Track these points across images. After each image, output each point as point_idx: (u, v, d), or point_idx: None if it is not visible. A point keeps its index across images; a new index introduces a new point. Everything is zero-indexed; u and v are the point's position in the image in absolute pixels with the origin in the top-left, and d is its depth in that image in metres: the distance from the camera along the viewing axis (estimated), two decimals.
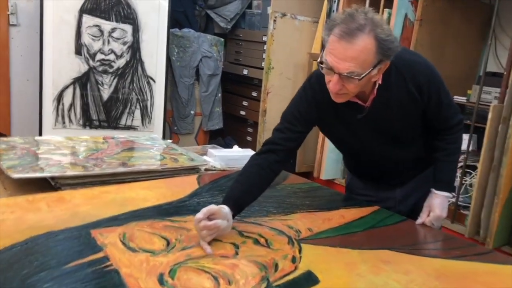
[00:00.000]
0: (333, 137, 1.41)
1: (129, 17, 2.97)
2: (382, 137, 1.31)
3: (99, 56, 2.92)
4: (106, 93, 2.98)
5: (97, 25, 2.88)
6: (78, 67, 2.88)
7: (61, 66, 2.83)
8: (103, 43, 2.91)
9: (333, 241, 1.15)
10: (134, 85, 3.05)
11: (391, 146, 1.33)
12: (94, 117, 2.97)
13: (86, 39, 2.87)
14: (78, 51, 2.87)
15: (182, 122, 3.38)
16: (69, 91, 2.88)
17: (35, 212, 1.13)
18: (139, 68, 3.04)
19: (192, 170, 1.60)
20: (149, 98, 3.10)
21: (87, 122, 2.95)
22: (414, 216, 1.35)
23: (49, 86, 2.81)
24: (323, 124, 1.34)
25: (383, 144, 1.32)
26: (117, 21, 2.93)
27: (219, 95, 3.49)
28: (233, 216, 1.15)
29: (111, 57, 2.95)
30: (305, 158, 3.20)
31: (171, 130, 3.38)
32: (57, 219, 1.10)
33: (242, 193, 1.19)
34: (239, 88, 3.73)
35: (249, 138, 3.67)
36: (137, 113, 3.08)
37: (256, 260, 1.01)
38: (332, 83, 1.12)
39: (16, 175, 1.25)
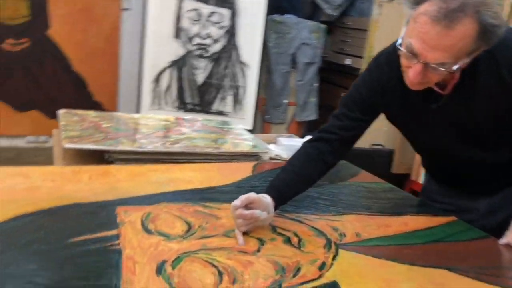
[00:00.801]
0: (401, 131, 1.21)
1: (228, 1, 2.95)
2: (461, 135, 1.08)
3: (196, 40, 2.95)
4: (201, 77, 3.02)
5: (196, 9, 2.91)
6: (176, 50, 2.95)
7: (161, 49, 2.92)
8: (201, 27, 2.94)
9: (380, 251, 0.98)
10: (228, 70, 3.04)
11: (473, 146, 1.09)
12: (189, 100, 3.02)
13: (185, 23, 2.92)
14: (177, 35, 2.93)
15: (274, 111, 3.30)
16: (167, 73, 2.96)
17: (74, 183, 1.13)
18: (234, 54, 3.02)
19: (251, 156, 1.51)
20: (242, 84, 3.07)
21: (182, 105, 3.02)
22: (499, 235, 1.10)
23: (149, 68, 2.92)
24: (389, 114, 1.15)
25: (462, 143, 1.09)
26: (216, 5, 2.94)
27: (315, 84, 3.33)
28: (275, 208, 1.03)
29: (208, 41, 2.97)
30: (404, 157, 2.92)
31: (263, 119, 3.32)
32: (92, 192, 1.09)
33: (287, 184, 1.07)
34: (340, 78, 3.53)
35: None
36: (229, 99, 3.07)
37: (277, 261, 0.88)
38: (413, 72, 0.91)
39: (68, 145, 1.27)
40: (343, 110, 1.13)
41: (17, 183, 1.08)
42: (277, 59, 3.22)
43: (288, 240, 0.98)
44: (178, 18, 2.90)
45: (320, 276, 0.85)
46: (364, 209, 1.20)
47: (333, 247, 0.97)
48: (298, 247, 0.95)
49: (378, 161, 2.92)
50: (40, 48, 2.88)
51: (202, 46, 2.97)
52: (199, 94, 3.03)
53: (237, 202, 0.94)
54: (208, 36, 2.96)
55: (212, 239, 0.94)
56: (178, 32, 2.92)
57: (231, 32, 3.00)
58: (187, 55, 2.97)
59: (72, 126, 1.47)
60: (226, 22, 2.97)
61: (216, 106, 3.06)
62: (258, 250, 0.92)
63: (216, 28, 2.96)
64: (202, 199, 1.13)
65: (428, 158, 1.24)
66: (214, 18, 2.95)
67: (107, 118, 1.65)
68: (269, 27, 3.11)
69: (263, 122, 3.33)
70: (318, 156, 1.10)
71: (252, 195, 0.96)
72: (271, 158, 1.60)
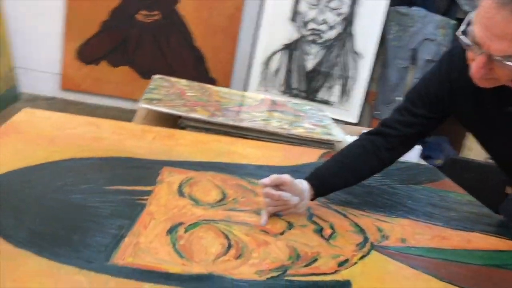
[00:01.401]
0: (474, 137, 1.05)
1: None
2: None
3: (311, 25, 2.91)
4: (310, 63, 2.97)
5: None
6: (290, 34, 2.94)
7: (275, 31, 2.93)
8: (318, 13, 2.89)
9: (421, 263, 0.87)
10: (340, 59, 2.95)
11: None
12: (295, 85, 3.01)
13: (303, 6, 2.90)
14: (293, 18, 2.92)
15: (385, 108, 3.11)
16: (277, 56, 2.97)
17: (137, 140, 1.19)
18: (348, 43, 2.92)
19: (323, 144, 1.44)
20: (352, 75, 2.96)
21: (288, 89, 3.01)
22: None
23: (261, 49, 2.96)
24: (459, 116, 1.01)
25: None
26: None
27: None
28: (315, 197, 0.97)
29: (323, 27, 2.91)
30: None
31: (372, 115, 3.16)
32: (149, 150, 1.14)
33: (332, 173, 1.00)
34: None
35: None
36: (337, 89, 2.99)
37: (296, 247, 0.84)
38: (476, 65, 0.77)
39: (144, 105, 1.34)
40: (407, 104, 1.02)
41: (87, 131, 1.17)
42: (395, 52, 3.04)
43: (319, 230, 0.92)
44: (297, 1, 2.88)
45: (335, 272, 0.78)
46: (425, 217, 1.08)
47: (367, 247, 0.89)
48: (327, 239, 0.89)
49: (491, 177, 2.60)
50: (168, 21, 3.08)
51: (316, 32, 2.92)
52: (306, 81, 2.99)
53: (266, 180, 0.91)
54: (324, 22, 2.90)
55: (239, 213, 0.92)
56: (295, 15, 2.91)
57: (348, 20, 2.90)
58: (300, 39, 2.94)
59: (158, 90, 1.55)
60: (345, 9, 2.88)
61: (322, 95, 3.00)
62: (282, 233, 0.88)
63: (333, 14, 2.88)
64: (250, 175, 1.11)
65: (506, 169, 1.07)
66: (333, 4, 2.87)
67: (195, 88, 1.71)
68: (391, 18, 2.93)
69: (371, 118, 3.18)
70: (372, 150, 1.01)
71: (285, 176, 0.92)
72: None
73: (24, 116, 1.18)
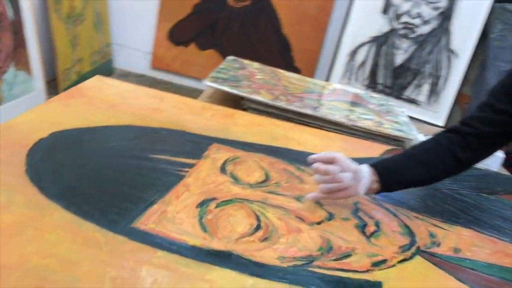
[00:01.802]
0: None
1: None
2: None
3: (404, 18, 2.75)
4: (399, 59, 2.82)
5: None
6: (380, 26, 2.80)
7: (365, 22, 2.82)
8: (413, 6, 2.72)
9: (471, 276, 0.78)
10: (432, 56, 2.75)
11: None
12: (381, 80, 2.87)
13: None
14: (385, 10, 2.78)
15: None
16: (365, 48, 2.85)
17: (195, 115, 1.20)
18: (443, 39, 2.72)
19: (391, 140, 1.35)
20: (444, 74, 2.75)
21: (372, 84, 2.88)
22: None
23: (348, 40, 2.86)
24: None
25: None
26: None
27: None
28: (378, 189, 0.90)
29: (417, 21, 2.74)
30: None
31: None
32: (204, 126, 1.14)
33: (400, 163, 0.91)
34: None
35: None
36: (425, 87, 2.80)
37: (331, 239, 0.78)
38: None
39: (207, 83, 1.34)
40: (490, 99, 0.90)
41: (149, 102, 1.20)
42: (497, 53, 2.77)
43: (362, 226, 0.85)
44: None
45: (366, 271, 0.72)
46: (491, 230, 0.96)
47: (412, 250, 0.81)
48: (368, 237, 0.82)
49: None
50: (258, 7, 3.09)
51: (409, 26, 2.75)
52: (393, 77, 2.84)
53: (315, 155, 0.87)
54: (419, 15, 2.72)
55: (278, 197, 0.88)
56: (387, 7, 2.77)
57: (445, 15, 2.69)
58: (391, 33, 2.79)
59: (227, 70, 1.55)
60: (443, 3, 2.68)
61: (409, 93, 2.83)
62: (319, 223, 0.83)
63: (429, 8, 2.69)
64: (301, 162, 1.07)
65: None
66: None
67: (266, 71, 1.68)
68: (495, 16, 2.67)
69: None
70: (447, 146, 0.90)
71: (338, 154, 0.87)
72: None
73: (94, 82, 1.24)
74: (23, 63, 2.18)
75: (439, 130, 1.62)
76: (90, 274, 0.56)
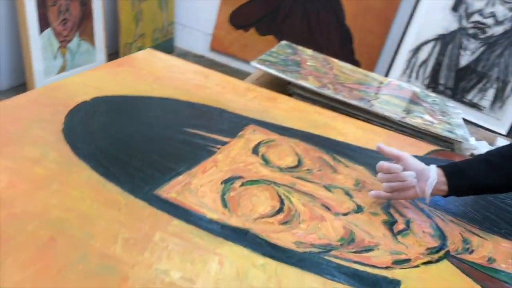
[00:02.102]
0: None
1: None
2: None
3: (475, 17, 2.60)
4: (465, 59, 2.67)
5: None
6: (448, 24, 2.67)
7: (431, 18, 2.69)
8: (486, 4, 2.56)
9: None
10: (502, 60, 2.59)
11: None
12: (442, 81, 2.74)
13: None
14: (454, 8, 2.64)
15: None
16: (428, 46, 2.73)
17: (238, 96, 1.20)
18: None
19: (440, 140, 1.29)
20: None
21: (432, 84, 2.76)
22: None
23: (412, 35, 2.75)
24: None
25: None
26: None
27: None
28: (447, 192, 0.84)
29: (489, 21, 2.58)
30: None
31: None
32: (244, 107, 1.14)
33: (472, 166, 0.85)
34: None
35: None
36: (490, 92, 2.64)
37: (354, 231, 0.76)
38: None
39: (255, 64, 1.34)
40: None
41: (194, 78, 1.21)
42: None
43: (390, 223, 0.82)
44: None
45: (386, 268, 0.69)
46: None
47: (440, 254, 0.77)
48: (395, 234, 0.79)
49: None
50: None
51: (480, 26, 2.60)
52: (456, 78, 2.71)
53: (383, 145, 0.87)
54: (492, 15, 2.56)
55: (308, 183, 0.87)
56: (458, 4, 2.63)
57: None
58: (459, 32, 2.66)
59: (278, 55, 1.53)
60: None
61: (471, 96, 2.69)
62: (345, 214, 0.81)
63: (505, 8, 2.53)
64: (339, 152, 1.04)
65: None
66: None
67: (318, 59, 1.65)
68: None
69: None
70: None
71: (404, 153, 0.85)
72: (471, 155, 1.34)
73: (145, 54, 1.27)
74: (87, 34, 2.28)
75: (496, 137, 1.53)
76: (104, 233, 0.58)
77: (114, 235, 0.58)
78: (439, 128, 1.31)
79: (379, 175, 0.87)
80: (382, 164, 0.85)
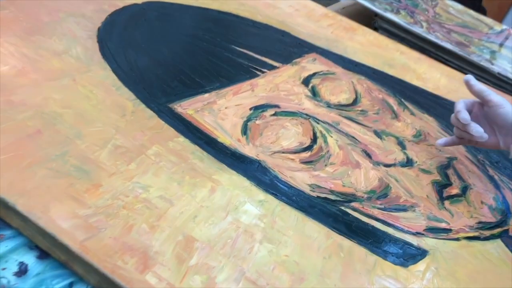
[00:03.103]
0: None
1: None
2: None
3: None
4: None
5: None
6: None
7: None
8: None
9: None
10: None
11: None
12: None
13: None
14: None
15: None
16: None
17: (311, 21, 1.08)
18: None
19: None
20: None
21: None
22: None
23: None
24: None
25: None
26: None
27: None
28: None
29: None
30: None
31: None
32: (313, 32, 1.02)
33: None
34: None
35: None
36: None
37: (391, 186, 0.65)
38: None
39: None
40: None
41: None
42: None
43: (442, 185, 0.69)
44: None
45: (415, 234, 0.59)
46: None
47: (493, 231, 0.64)
48: (442, 198, 0.67)
49: None
50: None
51: None
52: None
53: (470, 78, 0.70)
54: None
55: (355, 125, 0.76)
56: None
57: None
58: None
59: None
60: None
61: None
62: (389, 165, 0.69)
63: None
64: (408, 97, 0.90)
65: None
66: None
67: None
68: None
69: None
70: None
71: (498, 98, 0.66)
72: None
73: None
74: None
75: None
76: (96, 135, 0.54)
77: (105, 139, 0.54)
78: None
79: (452, 116, 0.71)
80: (457, 104, 0.69)
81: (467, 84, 0.69)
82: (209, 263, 0.44)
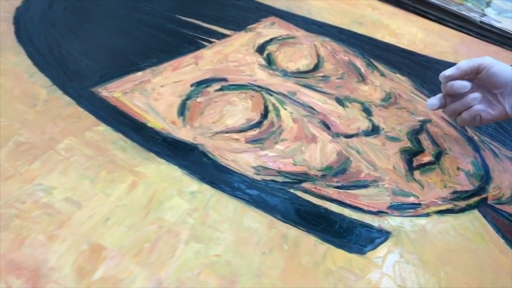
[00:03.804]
0: None
1: None
2: None
3: None
4: None
5: None
6: None
7: None
8: None
9: None
10: None
11: None
12: None
13: None
14: None
15: None
16: None
17: None
18: None
19: None
20: None
21: None
22: None
23: None
24: None
25: None
26: None
27: None
28: None
29: None
30: None
31: None
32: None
33: None
34: None
35: None
36: None
37: (351, 160, 0.58)
38: None
39: None
40: None
41: None
42: None
43: (412, 153, 0.61)
44: None
45: (377, 213, 0.51)
46: None
47: (470, 201, 0.56)
48: (411, 168, 0.59)
49: None
50: None
51: None
52: None
53: (452, 70, 0.59)
54: None
55: (314, 93, 0.68)
56: None
57: None
58: None
59: None
60: None
61: None
62: (350, 136, 0.62)
63: None
64: (379, 57, 0.82)
65: None
66: None
67: None
68: None
69: None
70: None
71: (485, 59, 0.57)
72: None
73: None
74: None
75: None
76: None
77: (7, 136, 0.47)
78: None
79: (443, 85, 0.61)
80: (442, 75, 0.59)
81: (447, 78, 0.59)
82: (118, 275, 0.38)
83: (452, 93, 0.59)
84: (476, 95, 0.58)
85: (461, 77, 0.58)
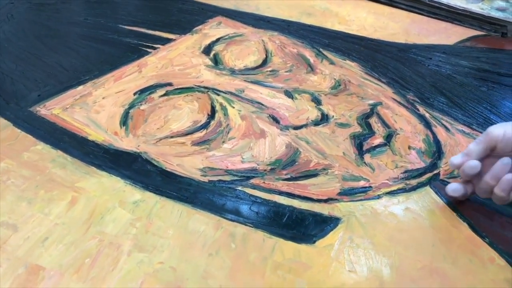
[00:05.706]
0: None
1: None
2: None
3: None
4: None
5: None
6: None
7: None
8: None
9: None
10: None
11: None
12: None
13: None
14: None
15: None
16: None
17: None
18: None
19: (485, 23, 0.98)
20: None
21: None
22: None
23: None
24: None
25: None
26: None
27: None
28: None
29: None
30: None
31: None
32: None
33: None
34: None
35: None
36: None
37: (300, 151, 0.57)
38: None
39: None
40: None
41: None
42: None
43: (361, 137, 0.61)
44: None
45: (326, 200, 0.51)
46: None
47: (421, 179, 0.56)
48: (361, 152, 0.59)
49: None
50: None
51: None
52: None
53: (461, 158, 0.51)
54: None
55: (263, 88, 0.68)
56: None
57: None
58: None
59: None
60: None
61: None
62: (299, 127, 0.61)
63: None
64: (328, 45, 0.82)
65: None
66: None
67: None
68: None
69: None
70: None
71: (492, 131, 0.49)
72: None
73: None
74: None
75: None
76: None
77: None
78: (486, 9, 1.00)
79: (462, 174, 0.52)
80: (452, 163, 0.52)
81: (456, 167, 0.52)
82: None
83: (468, 178, 0.53)
84: (506, 160, 0.48)
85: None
